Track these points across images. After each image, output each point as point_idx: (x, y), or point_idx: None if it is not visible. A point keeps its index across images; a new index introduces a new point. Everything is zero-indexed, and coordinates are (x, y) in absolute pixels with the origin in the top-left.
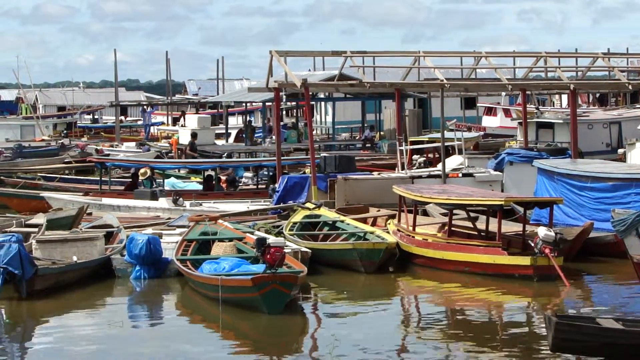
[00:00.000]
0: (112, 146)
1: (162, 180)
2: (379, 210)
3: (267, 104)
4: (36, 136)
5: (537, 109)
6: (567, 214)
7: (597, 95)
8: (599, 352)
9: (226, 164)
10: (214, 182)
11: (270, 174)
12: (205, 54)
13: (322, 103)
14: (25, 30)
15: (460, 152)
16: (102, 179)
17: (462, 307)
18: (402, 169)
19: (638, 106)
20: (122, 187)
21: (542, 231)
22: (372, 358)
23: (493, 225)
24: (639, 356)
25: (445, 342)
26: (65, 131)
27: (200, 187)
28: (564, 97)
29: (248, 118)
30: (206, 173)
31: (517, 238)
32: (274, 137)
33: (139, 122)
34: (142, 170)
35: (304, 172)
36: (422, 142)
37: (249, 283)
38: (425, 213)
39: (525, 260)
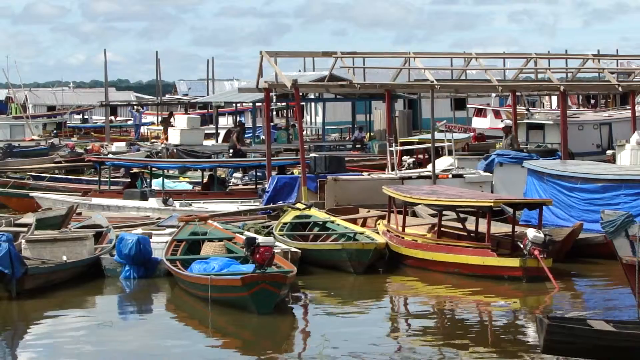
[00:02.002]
0: (102, 146)
1: (150, 180)
2: (368, 211)
3: (257, 104)
4: (26, 136)
5: (528, 110)
6: (557, 214)
7: (580, 97)
8: (590, 354)
9: (225, 163)
10: (214, 182)
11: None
12: (195, 54)
13: (312, 104)
14: (15, 30)
15: (450, 153)
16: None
17: (451, 308)
18: (392, 169)
19: (628, 107)
20: (120, 187)
21: (531, 233)
22: (362, 358)
23: (482, 227)
24: (630, 358)
25: (434, 342)
26: (55, 131)
27: (189, 187)
28: (554, 99)
29: (238, 118)
30: (207, 173)
31: (506, 239)
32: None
33: (129, 122)
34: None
35: (292, 173)
36: (412, 143)
37: (239, 282)
38: (415, 214)
39: (514, 262)
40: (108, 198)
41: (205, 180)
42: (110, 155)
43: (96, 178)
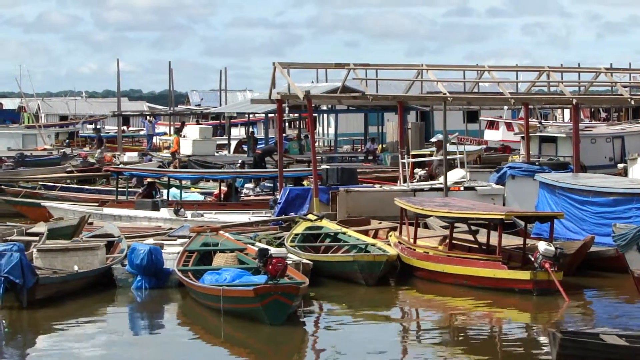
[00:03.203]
0: (114, 156)
1: (168, 191)
2: (380, 223)
3: (269, 115)
4: (38, 145)
5: (540, 123)
6: (568, 228)
7: (592, 110)
8: None
9: (244, 174)
10: (233, 192)
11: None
12: (208, 65)
13: (325, 115)
14: (28, 39)
15: (462, 166)
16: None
17: (462, 321)
18: (404, 181)
19: None
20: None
21: (542, 246)
22: None
23: (494, 239)
24: None
25: (444, 355)
26: (67, 140)
27: (201, 197)
28: (567, 112)
29: (250, 129)
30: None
31: (517, 252)
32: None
33: (142, 132)
34: None
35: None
36: (424, 155)
37: (251, 294)
38: (426, 226)
39: (525, 275)
40: (126, 209)
41: (218, 190)
42: (121, 166)
43: (107, 188)
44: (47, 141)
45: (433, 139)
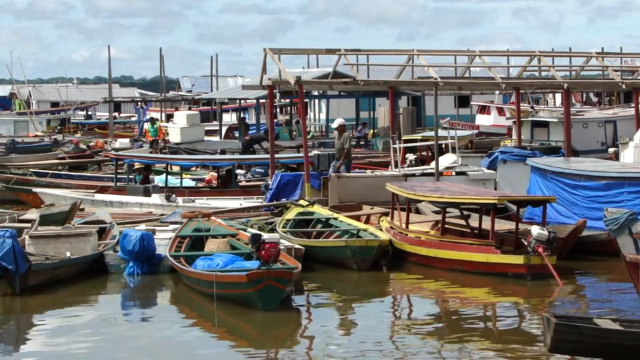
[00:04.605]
0: (105, 142)
1: (166, 178)
2: (372, 208)
3: (261, 101)
4: (29, 132)
5: (532, 107)
6: (560, 212)
7: (583, 94)
8: (597, 353)
9: (243, 161)
10: (233, 178)
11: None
12: (199, 51)
13: (316, 100)
14: (19, 26)
15: (453, 151)
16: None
17: (455, 306)
18: (396, 166)
19: (633, 105)
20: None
21: (535, 230)
22: (365, 355)
23: (486, 224)
24: (638, 357)
25: (437, 340)
26: (59, 127)
27: (192, 183)
28: (558, 96)
29: (242, 115)
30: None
31: (510, 236)
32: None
33: (133, 119)
34: None
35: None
36: (415, 140)
37: (244, 279)
38: (418, 211)
39: (518, 259)
40: (117, 195)
41: (211, 177)
42: (113, 152)
43: (100, 175)
44: (38, 128)
45: (334, 125)
